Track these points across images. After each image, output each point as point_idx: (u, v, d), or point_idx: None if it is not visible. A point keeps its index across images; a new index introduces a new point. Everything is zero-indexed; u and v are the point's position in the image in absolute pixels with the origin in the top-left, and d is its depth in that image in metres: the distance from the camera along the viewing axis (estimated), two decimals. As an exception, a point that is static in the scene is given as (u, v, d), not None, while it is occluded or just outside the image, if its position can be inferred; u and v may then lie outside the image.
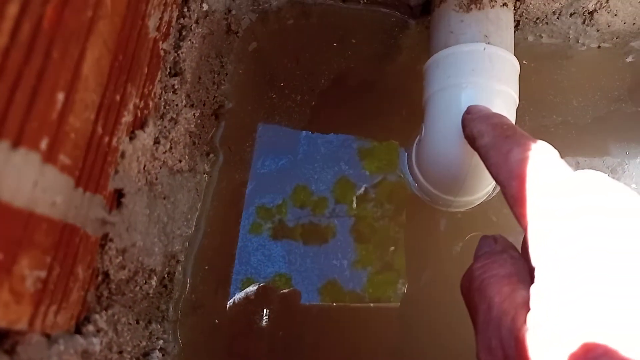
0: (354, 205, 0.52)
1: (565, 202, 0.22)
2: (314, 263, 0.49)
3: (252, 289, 0.48)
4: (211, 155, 0.48)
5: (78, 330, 0.29)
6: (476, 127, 0.33)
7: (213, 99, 0.47)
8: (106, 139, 0.29)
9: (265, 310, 0.47)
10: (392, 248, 0.51)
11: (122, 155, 0.31)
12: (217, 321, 0.45)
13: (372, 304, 0.49)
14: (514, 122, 0.44)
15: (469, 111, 0.38)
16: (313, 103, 0.51)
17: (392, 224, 0.52)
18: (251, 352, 0.47)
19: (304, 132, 0.50)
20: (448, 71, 0.44)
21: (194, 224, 0.46)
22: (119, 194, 0.32)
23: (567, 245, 0.21)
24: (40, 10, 0.20)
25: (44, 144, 0.21)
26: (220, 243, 0.47)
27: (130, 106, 0.32)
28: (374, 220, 0.52)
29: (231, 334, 0.47)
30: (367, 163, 0.52)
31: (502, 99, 0.43)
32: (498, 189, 0.50)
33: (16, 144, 0.19)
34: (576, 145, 0.50)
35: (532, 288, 0.22)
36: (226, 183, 0.49)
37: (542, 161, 0.26)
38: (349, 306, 0.49)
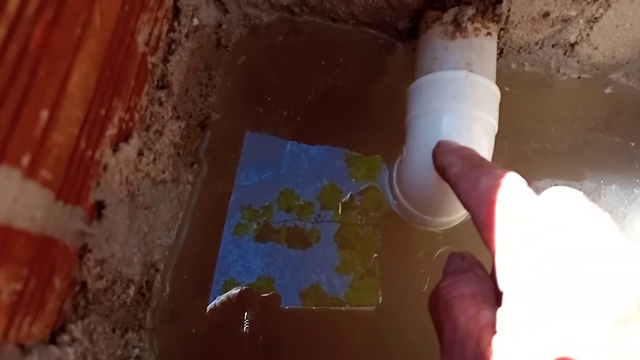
0: (340, 212, 0.53)
1: (531, 230, 0.23)
2: (297, 267, 0.50)
3: (234, 291, 0.48)
4: (195, 165, 0.49)
5: (53, 339, 0.29)
6: (446, 158, 0.35)
7: (200, 111, 0.48)
8: (89, 152, 0.29)
9: (246, 314, 0.48)
10: (375, 255, 0.52)
11: (105, 167, 0.32)
12: (194, 330, 0.46)
13: (351, 309, 0.50)
14: (492, 148, 0.46)
15: (439, 145, 0.39)
16: (299, 119, 0.52)
17: (376, 232, 0.53)
18: (231, 356, 0.48)
19: (288, 147, 0.51)
20: (430, 96, 0.45)
21: (175, 233, 0.47)
22: (99, 206, 0.32)
23: (534, 271, 0.22)
24: (29, 31, 0.21)
25: (25, 161, 0.22)
26: (200, 252, 0.48)
27: (116, 119, 0.32)
28: (358, 227, 0.53)
29: (210, 338, 0.48)
30: (354, 170, 0.53)
31: (482, 125, 0.45)
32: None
33: (-2, 161, 0.20)
34: (554, 172, 0.52)
35: (499, 312, 0.23)
36: (209, 194, 0.49)
37: (510, 190, 0.27)
38: (330, 310, 0.50)
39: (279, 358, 0.48)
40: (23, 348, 0.26)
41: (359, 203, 0.53)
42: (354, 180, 0.53)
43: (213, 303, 0.47)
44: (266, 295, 0.48)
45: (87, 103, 0.27)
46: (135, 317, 0.41)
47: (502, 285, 0.24)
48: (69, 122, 0.25)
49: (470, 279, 0.26)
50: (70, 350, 0.30)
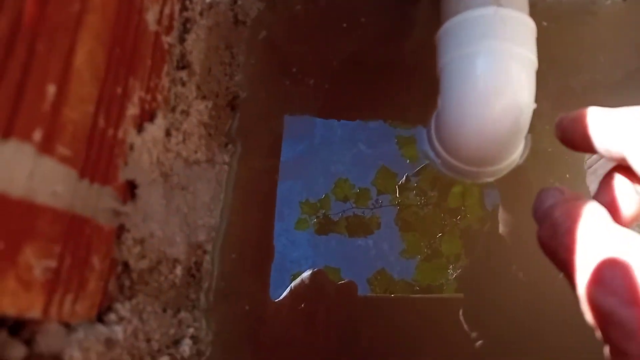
0: (397, 194, 0.52)
1: None
2: (361, 254, 0.49)
3: (306, 274, 0.48)
4: (229, 145, 0.48)
5: (100, 319, 0.30)
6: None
7: (226, 90, 0.48)
8: (110, 131, 0.29)
9: (320, 301, 0.47)
10: (439, 234, 0.50)
11: (131, 147, 0.32)
12: (247, 307, 0.46)
13: (431, 296, 0.49)
14: (533, 86, 0.42)
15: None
16: (326, 86, 0.51)
17: (437, 211, 0.51)
18: (306, 342, 0.48)
19: (319, 115, 0.50)
20: (459, 38, 0.43)
21: (219, 214, 0.47)
22: (132, 186, 0.33)
23: None
24: (18, 5, 0.21)
25: (37, 136, 0.22)
26: (245, 231, 0.48)
27: (135, 99, 0.32)
28: (418, 208, 0.52)
29: (283, 323, 0.48)
30: (407, 151, 0.52)
31: (519, 62, 0.42)
32: (525, 156, 0.48)
33: (6, 135, 0.20)
34: (609, 106, 0.48)
35: None
36: (246, 172, 0.49)
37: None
38: (408, 297, 0.49)
39: (355, 347, 0.47)
40: (69, 327, 0.27)
41: (416, 184, 0.52)
42: (408, 161, 0.51)
43: (287, 289, 0.47)
44: (342, 282, 0.47)
45: (99, 81, 0.27)
46: (188, 297, 0.42)
47: None
48: (80, 99, 0.26)
49: (586, 203, 0.22)
50: (118, 329, 0.30)
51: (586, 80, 0.49)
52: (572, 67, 0.49)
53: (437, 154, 0.49)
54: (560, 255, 0.22)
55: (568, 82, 0.49)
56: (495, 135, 0.42)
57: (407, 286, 0.50)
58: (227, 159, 0.48)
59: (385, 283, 0.49)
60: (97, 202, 0.28)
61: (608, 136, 0.23)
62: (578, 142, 0.25)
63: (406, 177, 0.52)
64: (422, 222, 0.51)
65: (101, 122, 0.28)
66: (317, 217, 0.50)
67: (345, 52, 0.51)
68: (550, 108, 0.49)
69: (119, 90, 0.30)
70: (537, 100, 0.42)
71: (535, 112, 0.42)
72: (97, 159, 0.28)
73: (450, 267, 0.51)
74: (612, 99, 0.48)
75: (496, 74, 0.42)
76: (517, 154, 0.46)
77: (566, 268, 0.21)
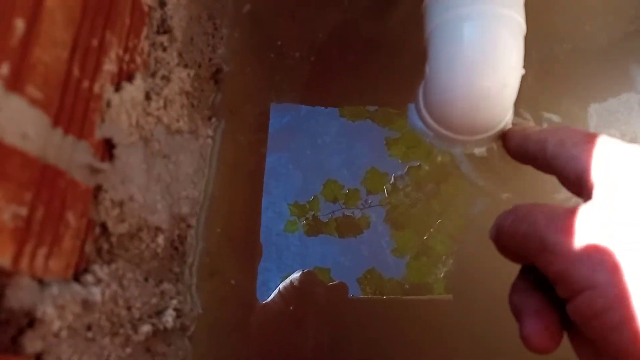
0: (387, 194, 0.51)
1: None
2: (351, 254, 0.48)
3: (295, 275, 0.47)
4: (213, 119, 0.47)
5: (77, 281, 0.29)
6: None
7: (209, 62, 0.46)
8: (86, 83, 0.28)
9: (310, 304, 0.46)
10: (431, 230, 0.49)
11: (108, 104, 0.31)
12: (233, 282, 0.45)
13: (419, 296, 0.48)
14: (522, 51, 0.42)
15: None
16: (312, 58, 0.50)
17: (427, 209, 0.50)
18: (297, 347, 0.46)
19: (305, 87, 0.49)
20: (446, 3, 0.42)
21: (202, 188, 0.46)
22: (110, 146, 0.32)
23: None
24: None
25: (4, 70, 0.21)
26: (230, 206, 0.47)
27: (112, 55, 0.31)
28: (408, 207, 0.51)
29: (272, 326, 0.46)
30: (395, 151, 0.51)
31: (508, 25, 0.41)
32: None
33: (-32, 62, 0.19)
34: (591, 73, 0.47)
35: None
36: (232, 147, 0.48)
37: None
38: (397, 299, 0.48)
39: (347, 350, 0.46)
40: (42, 284, 0.25)
41: (404, 184, 0.51)
42: (398, 160, 0.50)
43: (276, 290, 0.46)
44: (332, 283, 0.46)
45: (74, 27, 0.26)
46: (171, 271, 0.41)
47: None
48: (52, 41, 0.24)
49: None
50: (96, 290, 0.29)
51: (569, 48, 0.49)
52: (556, 36, 0.49)
53: (426, 124, 0.48)
54: (517, 246, 0.26)
55: (553, 52, 0.48)
56: (484, 101, 0.42)
57: (396, 284, 0.49)
58: (211, 132, 0.47)
59: (374, 282, 0.48)
60: (71, 155, 0.27)
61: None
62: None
63: (394, 177, 0.51)
64: (412, 220, 0.50)
65: (76, 72, 0.27)
66: (307, 219, 0.49)
67: (331, 25, 0.51)
68: (533, 78, 0.49)
69: (95, 42, 0.29)
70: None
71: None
72: (72, 109, 0.27)
73: (440, 265, 0.50)
74: (599, 65, 0.48)
75: (484, 37, 0.41)
76: (506, 120, 0.46)
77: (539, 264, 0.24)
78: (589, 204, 0.23)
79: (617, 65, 0.48)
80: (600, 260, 0.20)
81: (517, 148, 0.34)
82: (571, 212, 0.23)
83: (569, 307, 0.22)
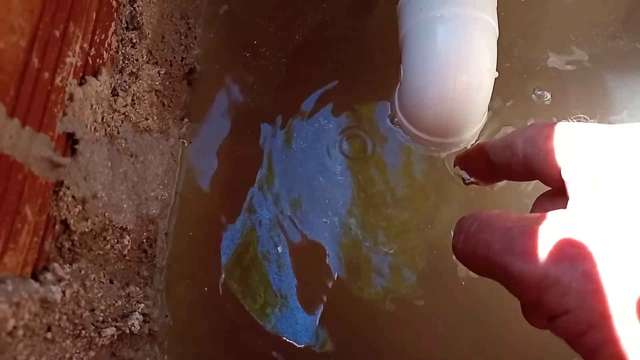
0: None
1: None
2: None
3: None
4: (185, 120, 0.47)
5: (36, 279, 0.28)
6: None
7: (182, 61, 0.46)
8: (46, 74, 0.27)
9: None
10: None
11: (71, 98, 0.30)
12: (206, 289, 0.43)
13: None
14: (495, 54, 0.42)
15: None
16: (288, 60, 0.49)
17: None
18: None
19: (280, 90, 0.48)
20: (420, 4, 0.42)
21: (173, 190, 0.45)
22: (73, 142, 0.31)
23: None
24: None
25: (-47, 52, 0.20)
26: (202, 209, 0.46)
27: (76, 48, 0.30)
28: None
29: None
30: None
31: (480, 28, 0.41)
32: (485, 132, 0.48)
33: None
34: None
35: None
36: (203, 148, 0.47)
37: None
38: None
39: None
40: (-4, 280, 0.24)
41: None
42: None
43: None
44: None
45: (33, 16, 0.25)
46: (139, 274, 0.39)
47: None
48: (9, 27, 0.23)
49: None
50: (55, 289, 0.28)
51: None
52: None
53: (403, 127, 0.48)
54: (479, 268, 0.23)
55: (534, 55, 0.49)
56: (457, 103, 0.42)
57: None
58: (183, 133, 0.46)
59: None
60: (29, 147, 0.26)
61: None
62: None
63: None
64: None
65: (35, 62, 0.26)
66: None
67: (308, 26, 0.50)
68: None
69: (57, 33, 0.28)
70: (499, 69, 0.42)
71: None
72: (30, 100, 0.26)
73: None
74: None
75: (457, 39, 0.41)
76: (481, 123, 0.46)
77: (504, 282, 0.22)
78: (560, 211, 0.21)
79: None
80: (568, 283, 0.19)
81: (484, 164, 0.28)
82: (530, 231, 0.20)
83: (550, 329, 0.21)
